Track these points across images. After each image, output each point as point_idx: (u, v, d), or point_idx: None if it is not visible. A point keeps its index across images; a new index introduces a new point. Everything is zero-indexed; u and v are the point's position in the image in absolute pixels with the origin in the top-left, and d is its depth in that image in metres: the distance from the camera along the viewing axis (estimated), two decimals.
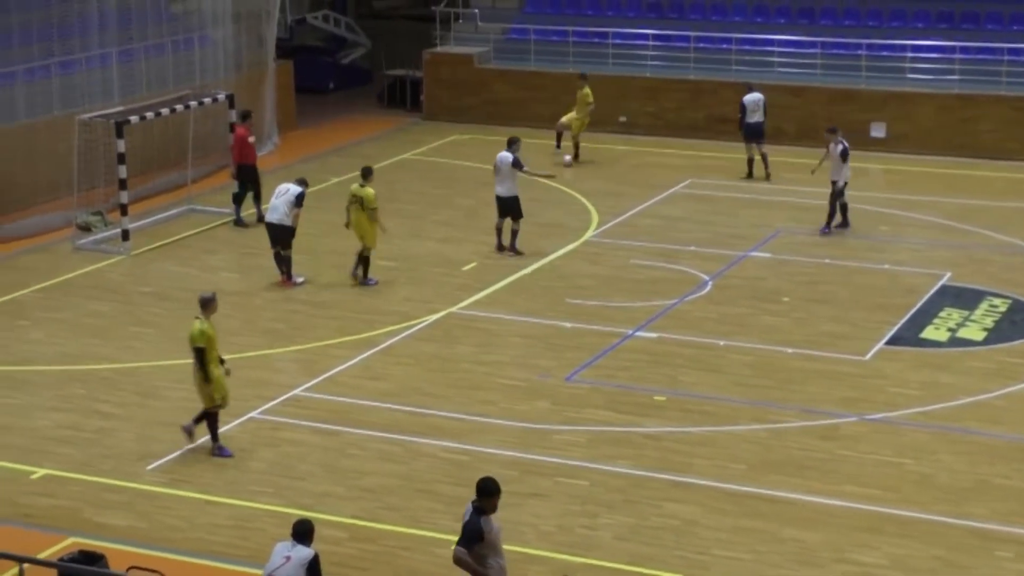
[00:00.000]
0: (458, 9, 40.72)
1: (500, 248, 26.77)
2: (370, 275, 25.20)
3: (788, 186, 31.05)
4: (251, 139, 28.90)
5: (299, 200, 24.88)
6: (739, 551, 16.24)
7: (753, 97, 32.07)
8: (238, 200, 28.86)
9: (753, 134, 32.09)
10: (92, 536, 16.39)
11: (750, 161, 32.17)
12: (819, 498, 17.43)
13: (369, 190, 24.93)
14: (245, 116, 29.03)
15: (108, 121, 27.53)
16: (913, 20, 37.16)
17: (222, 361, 18.44)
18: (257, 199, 28.73)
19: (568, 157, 33.28)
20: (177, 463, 18.42)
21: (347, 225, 25.19)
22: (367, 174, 25.15)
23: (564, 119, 33.93)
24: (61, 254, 27.41)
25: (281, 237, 25.05)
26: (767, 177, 31.86)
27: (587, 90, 33.71)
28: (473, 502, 13.32)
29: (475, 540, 13.09)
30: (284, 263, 25.09)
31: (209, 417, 18.54)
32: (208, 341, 18.14)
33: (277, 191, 25.17)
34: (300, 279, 25.14)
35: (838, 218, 28.07)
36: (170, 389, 20.75)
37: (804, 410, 19.97)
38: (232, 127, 29.55)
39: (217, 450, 18.53)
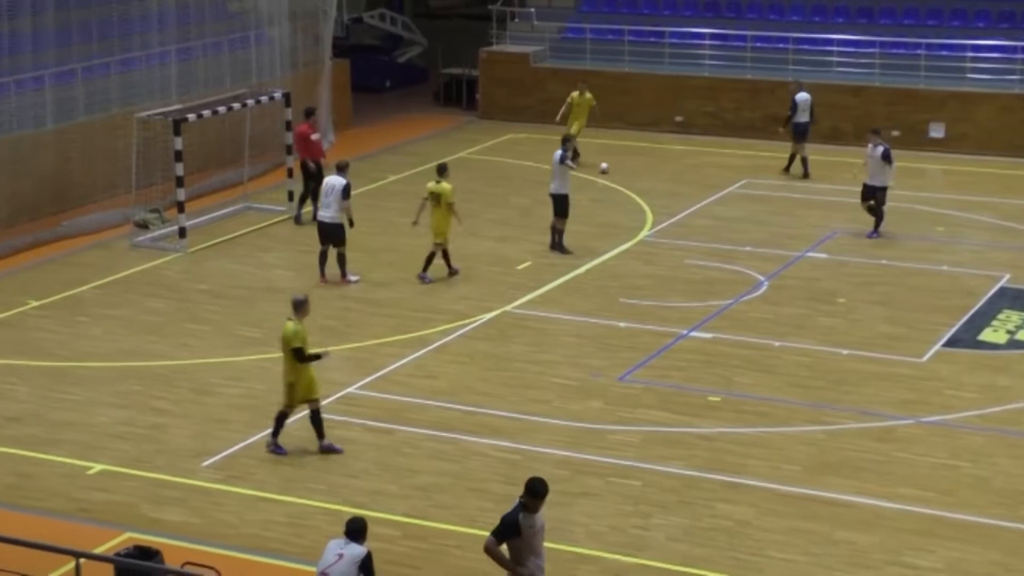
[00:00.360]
0: (514, 8, 40.78)
1: (553, 247, 26.84)
2: (428, 272, 25.31)
3: (846, 186, 30.87)
4: (314, 136, 28.92)
5: (346, 192, 24.97)
6: (792, 553, 16.19)
7: (804, 96, 32.12)
8: (302, 198, 28.93)
9: (802, 134, 32.06)
10: (148, 531, 16.53)
11: (792, 158, 32.31)
12: (874, 500, 17.35)
13: (446, 185, 25.22)
14: (308, 113, 29.17)
15: (166, 119, 27.74)
16: (974, 20, 36.89)
17: (316, 357, 18.44)
18: (314, 198, 28.77)
19: (604, 165, 32.80)
20: (231, 460, 18.56)
21: (414, 223, 25.34)
22: (443, 170, 25.45)
23: (574, 130, 32.82)
24: (119, 251, 27.65)
25: (333, 235, 25.16)
26: (805, 175, 32.07)
27: (589, 95, 33.66)
28: (520, 498, 13.35)
29: (510, 533, 13.10)
30: (339, 261, 25.20)
31: (281, 415, 18.61)
32: (303, 342, 18.24)
33: (325, 188, 25.27)
34: (355, 278, 25.26)
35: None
36: (225, 386, 20.91)
37: (859, 412, 19.88)
38: (288, 125, 29.66)
39: (274, 446, 18.64)
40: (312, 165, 28.72)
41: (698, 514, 17.04)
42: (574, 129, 32.96)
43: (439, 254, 25.35)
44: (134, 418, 19.91)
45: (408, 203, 30.51)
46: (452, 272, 25.52)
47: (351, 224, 25.08)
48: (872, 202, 27.53)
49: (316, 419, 18.59)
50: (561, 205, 26.77)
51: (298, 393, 18.38)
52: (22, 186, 28.71)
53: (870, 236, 27.39)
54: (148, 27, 31.83)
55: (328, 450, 18.58)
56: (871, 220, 28.13)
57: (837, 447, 18.78)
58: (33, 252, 27.55)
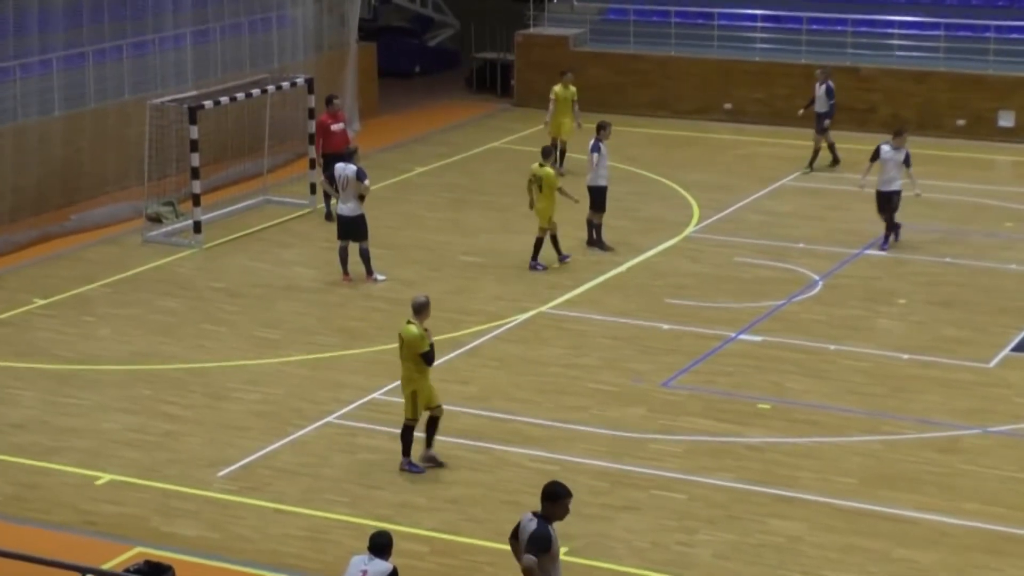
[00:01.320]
0: None
1: (591, 243, 26.85)
2: (540, 260, 25.74)
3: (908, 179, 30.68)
4: (335, 126, 28.75)
5: (360, 176, 24.95)
6: (848, 572, 16.12)
7: (825, 87, 32.01)
8: (326, 195, 28.68)
9: (821, 123, 31.98)
10: (159, 546, 16.58)
11: (816, 152, 32.08)
12: (936, 516, 17.26)
13: (549, 169, 25.68)
14: (328, 101, 29.14)
15: (181, 106, 27.86)
16: None
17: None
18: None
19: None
20: (248, 470, 18.60)
21: (531, 206, 25.90)
22: (547, 154, 26.07)
23: (564, 132, 31.80)
24: (130, 246, 27.77)
25: (354, 230, 25.18)
26: (835, 162, 32.00)
27: (573, 88, 32.01)
28: (536, 513, 13.16)
29: (545, 548, 13.07)
30: (363, 258, 25.22)
31: (407, 430, 18.48)
32: (430, 346, 18.18)
33: (339, 181, 25.19)
34: (381, 277, 25.29)
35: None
36: (242, 391, 20.96)
37: (921, 421, 19.78)
38: (311, 113, 29.67)
39: (408, 464, 18.49)
40: (332, 158, 28.55)
41: (747, 530, 16.99)
42: (564, 131, 31.82)
43: (547, 240, 25.83)
44: (145, 425, 19.98)
45: (436, 196, 30.67)
46: (562, 259, 25.91)
47: (365, 225, 24.98)
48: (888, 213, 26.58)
49: (433, 427, 18.52)
50: (597, 198, 26.81)
51: (421, 401, 18.32)
52: (28, 177, 28.87)
53: (883, 248, 26.50)
54: (163, 8, 31.99)
55: (431, 461, 18.50)
56: (935, 215, 27.99)
57: (896, 459, 18.69)
58: (39, 247, 27.71)
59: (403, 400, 18.40)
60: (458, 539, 16.88)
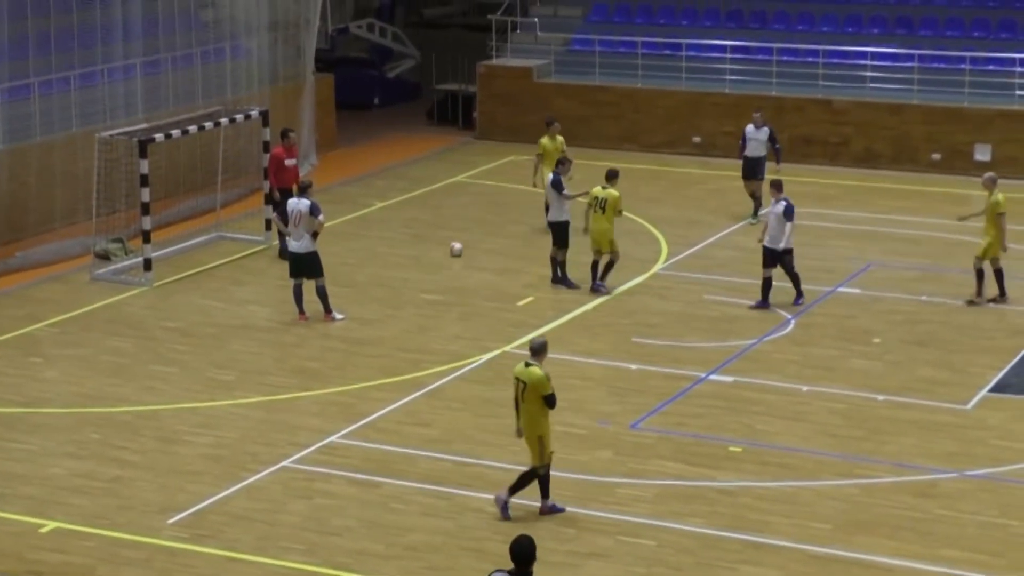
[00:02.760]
0: (516, 18, 40.93)
1: (555, 280, 26.89)
2: (602, 281, 26.31)
3: (883, 214, 30.87)
4: (289, 161, 28.71)
5: (314, 211, 24.92)
6: None
7: (759, 128, 31.05)
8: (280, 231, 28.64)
9: (754, 170, 30.87)
10: None
11: (753, 196, 30.90)
12: (914, 563, 17.26)
13: (613, 192, 25.92)
14: (283, 135, 29.12)
15: (131, 139, 27.80)
16: None
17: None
18: None
19: (457, 246, 29.20)
20: (200, 516, 18.49)
21: (585, 230, 26.16)
22: (612, 176, 26.18)
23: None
24: (78, 285, 27.65)
25: (308, 267, 25.13)
26: (755, 216, 30.49)
27: (561, 138, 30.46)
28: (510, 572, 13.03)
29: None
30: (320, 296, 25.17)
31: (541, 478, 18.29)
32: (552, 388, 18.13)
33: (291, 216, 25.14)
34: (340, 316, 25.23)
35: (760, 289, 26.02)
36: (194, 434, 20.86)
37: (897, 464, 19.81)
38: (266, 146, 29.68)
39: (549, 508, 18.37)
40: (278, 194, 28.28)
41: None
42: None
43: (602, 262, 26.35)
44: (93, 470, 19.85)
45: (396, 232, 30.64)
46: (596, 287, 26.34)
47: (319, 261, 24.95)
48: (773, 270, 25.53)
49: (545, 481, 18.38)
50: (560, 234, 26.87)
51: (548, 445, 18.18)
52: None
53: (796, 303, 25.66)
54: (112, 38, 31.92)
55: (553, 510, 18.39)
56: (910, 251, 28.10)
57: (872, 503, 18.71)
58: None
59: (528, 447, 18.19)
60: None
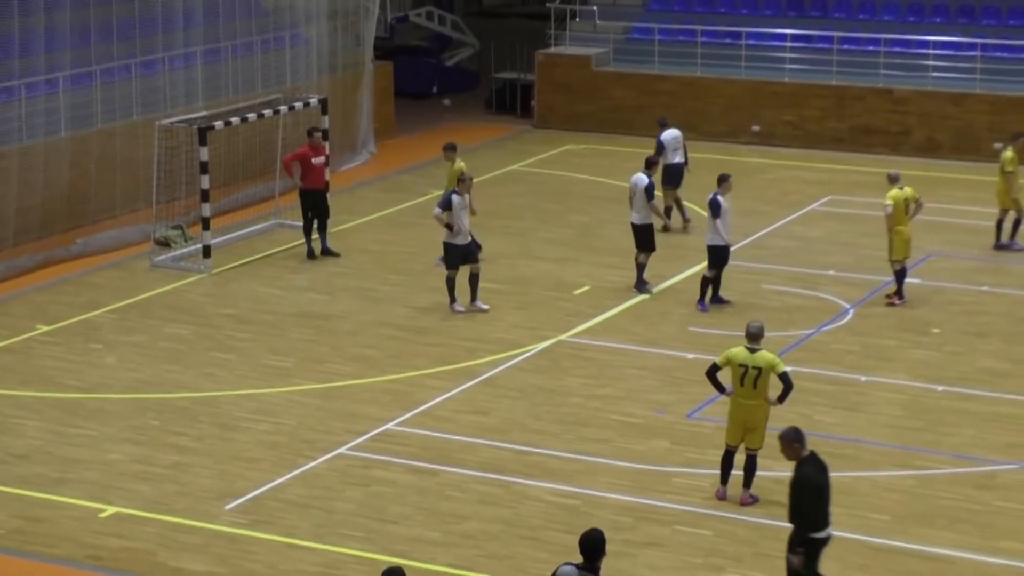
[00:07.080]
0: (575, 6, 40.85)
1: (637, 286, 26.04)
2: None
3: (944, 204, 30.66)
4: (316, 159, 28.19)
5: (447, 205, 25.03)
6: None
7: (672, 133, 30.03)
8: (306, 231, 28.25)
9: (674, 177, 29.72)
10: None
11: (668, 210, 29.25)
12: (973, 554, 17.17)
13: (906, 191, 25.09)
14: (309, 133, 28.61)
15: (191, 127, 27.93)
16: None
17: None
18: (322, 230, 28.18)
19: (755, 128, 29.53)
20: (258, 503, 18.59)
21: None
22: (894, 179, 25.27)
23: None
24: (138, 271, 27.83)
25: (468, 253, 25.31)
26: (685, 226, 29.53)
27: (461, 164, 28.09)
28: (578, 566, 13.04)
29: None
30: (472, 283, 25.10)
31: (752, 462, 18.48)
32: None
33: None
34: (485, 306, 25.14)
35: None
36: (252, 421, 20.97)
37: (957, 456, 19.71)
38: (325, 135, 29.43)
39: (750, 497, 18.47)
40: (310, 194, 27.92)
41: (776, 568, 16.87)
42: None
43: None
44: (152, 456, 19.99)
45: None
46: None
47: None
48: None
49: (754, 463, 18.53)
50: (644, 237, 26.00)
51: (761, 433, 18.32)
52: (32, 200, 28.94)
53: (702, 309, 25.13)
54: (173, 26, 32.07)
55: (751, 501, 18.46)
56: (971, 242, 27.90)
57: (931, 495, 18.61)
58: (43, 272, 27.76)
59: (756, 432, 18.29)
60: None
